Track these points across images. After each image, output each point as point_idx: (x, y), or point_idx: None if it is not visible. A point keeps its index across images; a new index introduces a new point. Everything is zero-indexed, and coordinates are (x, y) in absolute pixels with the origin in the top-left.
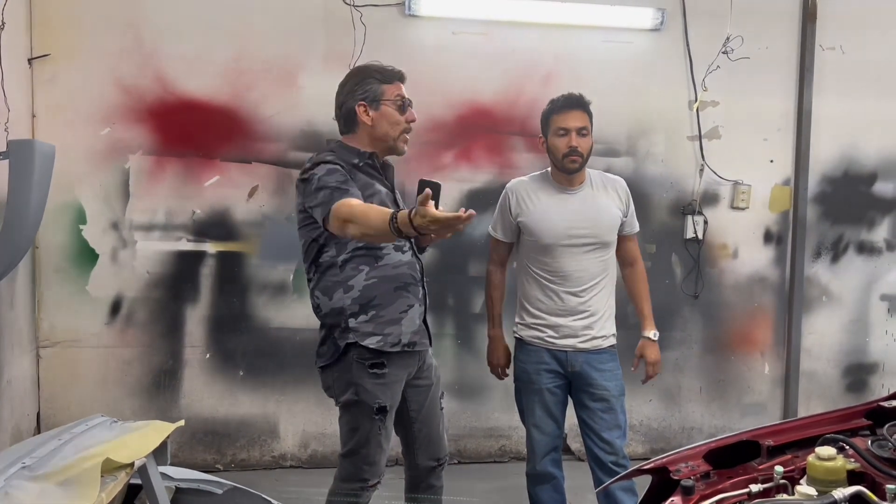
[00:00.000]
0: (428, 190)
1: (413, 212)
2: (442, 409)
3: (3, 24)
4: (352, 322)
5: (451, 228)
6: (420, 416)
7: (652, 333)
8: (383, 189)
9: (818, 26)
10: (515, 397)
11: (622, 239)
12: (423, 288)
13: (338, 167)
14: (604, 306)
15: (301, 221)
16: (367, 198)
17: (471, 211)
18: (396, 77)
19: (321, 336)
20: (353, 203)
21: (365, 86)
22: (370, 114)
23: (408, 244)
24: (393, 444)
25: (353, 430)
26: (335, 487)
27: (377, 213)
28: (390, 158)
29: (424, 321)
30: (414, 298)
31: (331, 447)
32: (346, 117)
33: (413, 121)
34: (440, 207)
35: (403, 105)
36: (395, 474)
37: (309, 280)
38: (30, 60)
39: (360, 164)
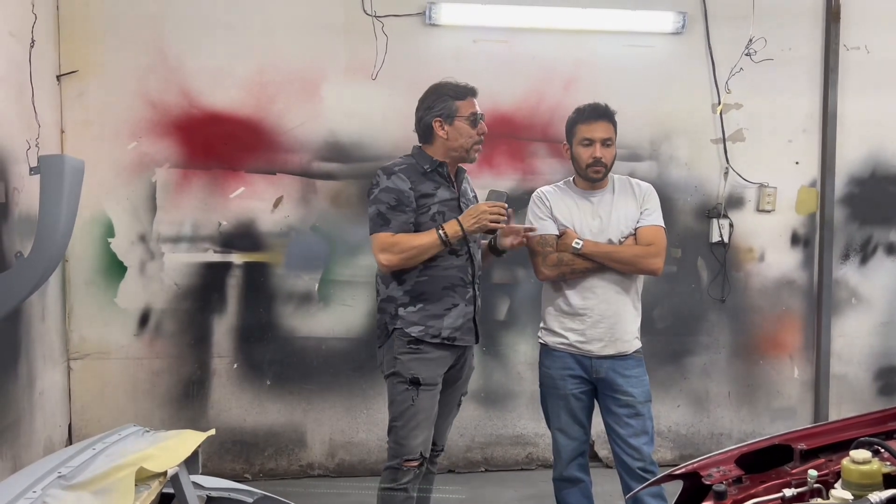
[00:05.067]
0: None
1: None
2: (458, 404)
3: (33, 42)
4: (401, 311)
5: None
6: (441, 410)
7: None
8: (446, 194)
9: (842, 26)
10: (541, 402)
11: (636, 229)
12: (474, 290)
13: (398, 186)
14: (628, 311)
15: None
16: (422, 205)
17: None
18: (469, 93)
19: (377, 319)
20: (394, 236)
21: (441, 103)
22: (445, 128)
23: (465, 249)
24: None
25: (391, 404)
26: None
27: (417, 236)
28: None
29: (474, 321)
30: (460, 299)
31: (358, 456)
32: (424, 131)
33: (484, 133)
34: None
35: (475, 120)
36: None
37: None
38: (58, 77)
39: (429, 171)
